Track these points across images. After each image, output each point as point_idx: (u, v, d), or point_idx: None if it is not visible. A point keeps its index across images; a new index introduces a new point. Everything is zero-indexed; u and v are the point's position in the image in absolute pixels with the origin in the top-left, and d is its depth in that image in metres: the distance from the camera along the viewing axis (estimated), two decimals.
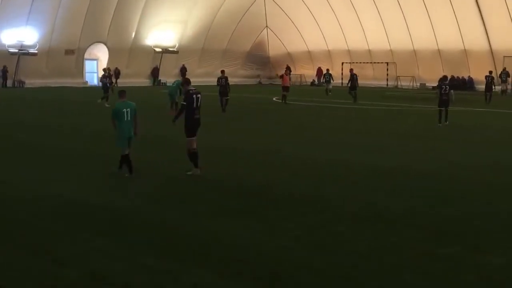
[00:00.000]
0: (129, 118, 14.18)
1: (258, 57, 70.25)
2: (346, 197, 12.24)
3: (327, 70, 50.98)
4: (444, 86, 26.46)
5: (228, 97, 32.12)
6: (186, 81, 15.13)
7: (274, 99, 40.11)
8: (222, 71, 34.07)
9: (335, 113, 33.29)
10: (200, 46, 65.26)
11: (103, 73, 41.34)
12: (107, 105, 32.35)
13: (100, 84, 38.85)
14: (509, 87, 50.37)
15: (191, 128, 14.56)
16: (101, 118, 25.50)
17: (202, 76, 61.31)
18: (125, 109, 14.13)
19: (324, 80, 50.76)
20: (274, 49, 70.90)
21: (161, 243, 9.11)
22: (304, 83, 67.56)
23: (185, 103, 14.55)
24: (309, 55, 68.62)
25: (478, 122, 28.01)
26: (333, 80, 50.16)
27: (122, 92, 14.73)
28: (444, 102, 26.03)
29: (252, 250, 8.79)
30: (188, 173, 14.35)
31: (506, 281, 7.65)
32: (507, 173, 15.06)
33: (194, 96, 14.52)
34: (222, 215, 10.80)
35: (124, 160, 14.21)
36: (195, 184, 13.54)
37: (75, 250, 8.75)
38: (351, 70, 43.50)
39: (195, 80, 61.61)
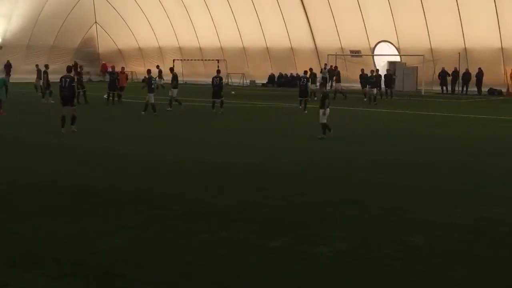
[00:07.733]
0: None
1: (87, 53, 68.55)
2: (176, 194, 12.32)
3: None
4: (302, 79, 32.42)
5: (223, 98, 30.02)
6: None
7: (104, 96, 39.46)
8: (218, 71, 31.69)
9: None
10: (25, 42, 62.61)
11: None
12: None
13: None
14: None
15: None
16: None
17: (29, 73, 58.82)
18: None
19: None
20: (104, 45, 69.57)
21: None
22: (136, 80, 66.79)
23: None
24: (140, 52, 68.04)
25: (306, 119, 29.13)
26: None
27: None
28: (302, 93, 31.18)
29: (85, 249, 8.64)
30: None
31: (335, 269, 8.04)
32: (322, 166, 15.86)
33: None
34: (51, 214, 10.51)
35: None
36: (23, 181, 13.09)
37: None
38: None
39: (20, 77, 58.86)
